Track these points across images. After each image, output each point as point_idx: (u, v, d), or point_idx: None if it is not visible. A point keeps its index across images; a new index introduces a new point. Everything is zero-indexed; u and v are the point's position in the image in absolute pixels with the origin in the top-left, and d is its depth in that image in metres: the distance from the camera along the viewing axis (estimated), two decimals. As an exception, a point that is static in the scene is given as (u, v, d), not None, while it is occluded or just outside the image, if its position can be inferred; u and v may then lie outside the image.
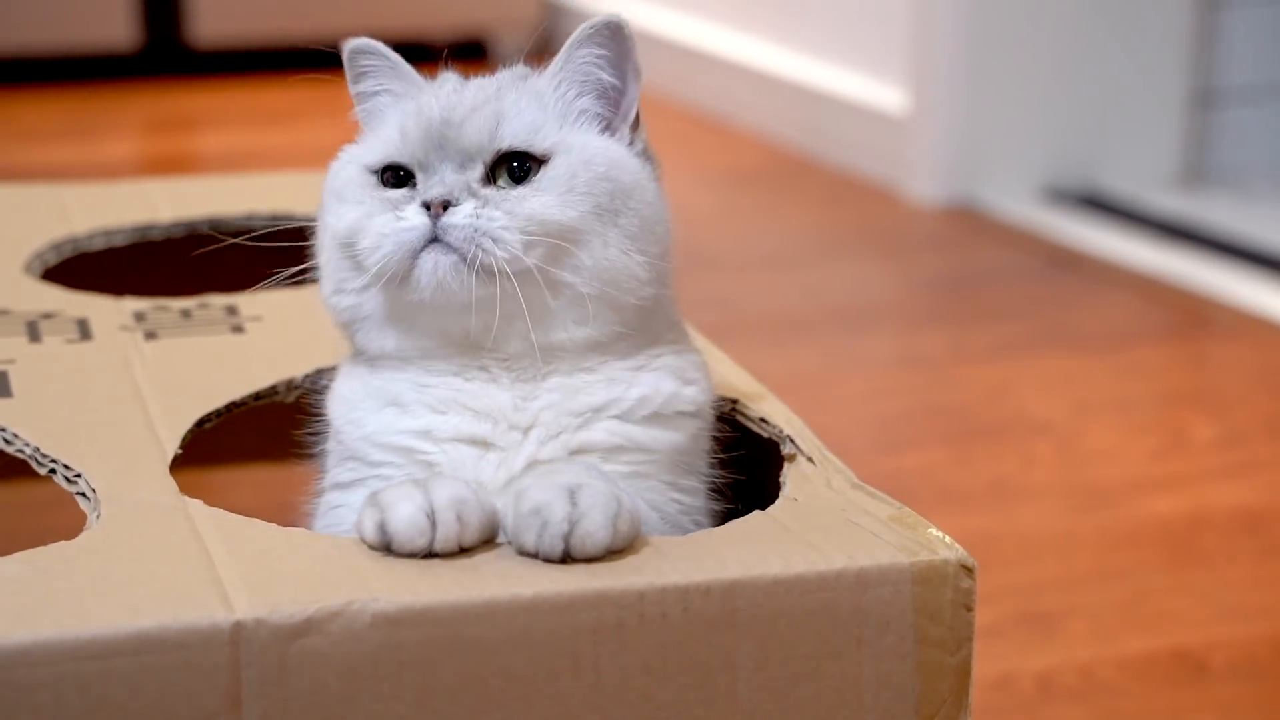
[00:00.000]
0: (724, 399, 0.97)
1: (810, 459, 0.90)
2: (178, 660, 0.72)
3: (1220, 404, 2.13)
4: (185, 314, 1.08)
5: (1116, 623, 1.58)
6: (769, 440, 0.94)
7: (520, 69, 0.90)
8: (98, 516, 0.81)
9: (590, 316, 0.85)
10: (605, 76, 0.88)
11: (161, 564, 0.76)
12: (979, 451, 1.95)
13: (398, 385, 0.87)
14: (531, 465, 0.85)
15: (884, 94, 3.04)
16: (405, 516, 0.77)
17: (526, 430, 0.86)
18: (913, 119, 2.95)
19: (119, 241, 1.27)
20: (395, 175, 0.87)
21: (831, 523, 0.83)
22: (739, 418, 0.96)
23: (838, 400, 2.11)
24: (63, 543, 0.78)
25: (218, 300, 1.11)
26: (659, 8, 3.73)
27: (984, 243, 2.74)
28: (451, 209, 0.83)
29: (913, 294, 2.57)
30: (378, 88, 0.90)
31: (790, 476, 0.89)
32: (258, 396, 0.98)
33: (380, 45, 0.91)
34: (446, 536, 0.78)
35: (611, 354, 0.87)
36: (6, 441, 0.89)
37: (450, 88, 0.88)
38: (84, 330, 1.05)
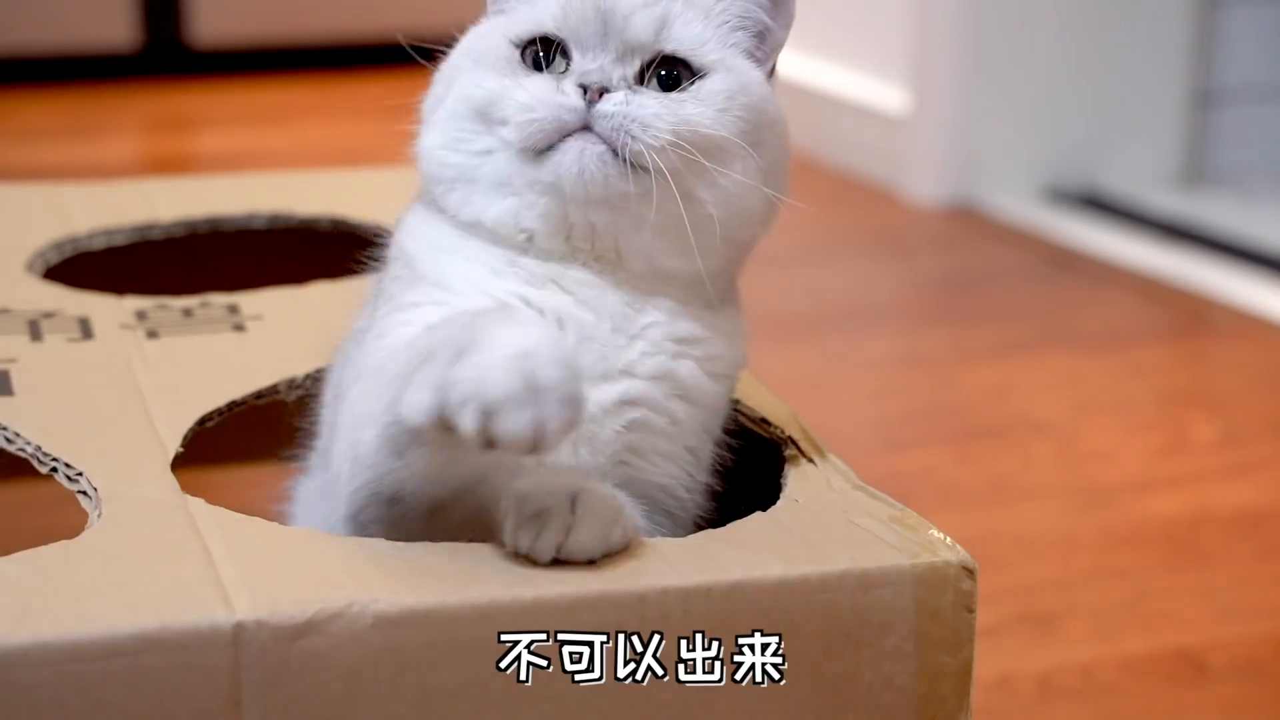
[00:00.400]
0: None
1: (811, 460, 0.90)
2: (178, 661, 0.72)
3: (1220, 404, 2.13)
4: (186, 313, 1.08)
5: (1116, 623, 1.58)
6: (770, 441, 0.93)
7: None
8: (99, 515, 0.81)
9: (709, 245, 0.84)
10: (763, 16, 0.89)
11: (162, 564, 0.76)
12: (979, 451, 1.95)
13: (489, 255, 0.85)
14: (626, 373, 0.84)
15: (884, 94, 3.04)
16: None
17: (632, 338, 0.84)
18: (913, 119, 2.95)
19: (119, 241, 1.27)
20: (539, 56, 0.85)
21: (833, 524, 0.83)
22: (740, 418, 0.96)
23: (838, 400, 2.11)
24: (64, 542, 0.77)
25: (219, 299, 1.11)
26: (659, 7, 3.73)
27: (984, 243, 2.74)
28: (607, 96, 0.82)
29: (913, 294, 2.57)
30: None
31: (791, 477, 0.89)
32: (259, 395, 0.98)
33: None
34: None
35: (699, 302, 0.87)
36: (8, 440, 0.89)
37: None
38: (85, 329, 1.05)
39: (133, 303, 1.10)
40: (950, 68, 2.89)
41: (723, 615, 0.77)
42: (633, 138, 0.81)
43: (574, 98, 0.82)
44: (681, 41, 0.85)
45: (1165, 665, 1.51)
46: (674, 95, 0.83)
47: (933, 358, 2.28)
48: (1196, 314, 2.44)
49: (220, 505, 0.82)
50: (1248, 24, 2.99)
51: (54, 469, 0.86)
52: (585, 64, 0.83)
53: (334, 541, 0.80)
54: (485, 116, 0.84)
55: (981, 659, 1.46)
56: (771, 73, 0.90)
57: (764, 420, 0.95)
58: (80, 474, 0.85)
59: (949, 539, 0.81)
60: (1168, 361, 2.32)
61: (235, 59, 3.71)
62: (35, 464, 0.87)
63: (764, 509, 0.85)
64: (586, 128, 0.81)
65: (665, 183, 0.82)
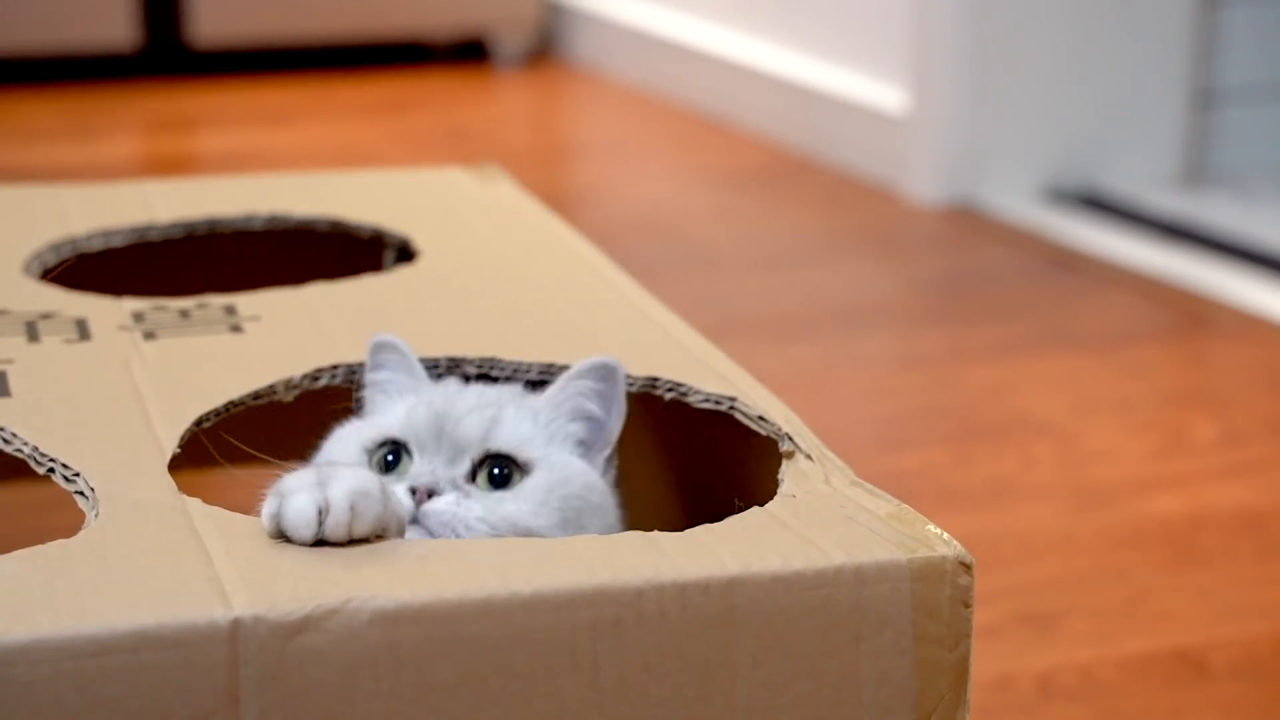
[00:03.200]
0: (723, 396, 0.97)
1: (809, 456, 0.90)
2: (176, 658, 0.72)
3: (1220, 404, 2.13)
4: (184, 314, 1.08)
5: (1116, 623, 1.58)
6: (767, 438, 0.94)
7: (518, 388, 0.99)
8: (96, 514, 0.81)
9: None
10: (594, 409, 0.96)
11: (160, 562, 0.76)
12: (979, 451, 1.95)
13: None
14: None
15: (884, 94, 3.04)
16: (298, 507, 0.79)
17: None
18: (913, 119, 2.95)
19: (117, 242, 1.27)
20: (385, 459, 0.93)
21: (830, 519, 0.83)
22: (737, 415, 0.96)
23: (838, 400, 2.11)
24: (61, 540, 0.78)
25: (216, 300, 1.11)
26: (659, 8, 3.73)
27: (984, 243, 2.74)
28: (436, 497, 0.89)
29: (913, 294, 2.58)
30: (389, 379, 0.98)
31: (788, 473, 0.89)
32: (256, 396, 0.98)
33: (401, 343, 0.99)
34: (337, 524, 0.79)
35: None
36: (5, 441, 0.89)
37: (454, 389, 0.97)
38: (83, 330, 1.05)
39: (130, 304, 1.10)
40: (950, 68, 2.89)
41: (720, 610, 0.77)
42: (456, 535, 0.87)
43: (404, 499, 0.88)
44: (508, 441, 0.93)
45: (1165, 665, 1.51)
46: (497, 494, 0.91)
47: (932, 357, 2.28)
48: (1196, 314, 2.44)
49: (217, 506, 0.82)
50: (1248, 24, 3.00)
51: (51, 469, 0.86)
52: (420, 466, 0.92)
53: (331, 539, 0.80)
54: None
55: (981, 659, 1.47)
56: (612, 457, 0.97)
57: (761, 417, 0.95)
58: (77, 474, 0.85)
59: (945, 534, 0.81)
60: (1168, 361, 2.32)
61: (235, 59, 3.71)
62: (32, 464, 0.87)
63: (761, 504, 0.85)
64: (415, 521, 0.88)
65: None
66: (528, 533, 0.89)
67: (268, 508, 0.80)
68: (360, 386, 1.00)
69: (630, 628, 0.76)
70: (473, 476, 0.92)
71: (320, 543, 0.79)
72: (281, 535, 0.79)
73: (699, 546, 0.80)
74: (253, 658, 0.72)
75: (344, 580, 0.75)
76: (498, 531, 0.88)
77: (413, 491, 0.89)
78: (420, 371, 0.99)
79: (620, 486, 0.98)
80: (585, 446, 0.96)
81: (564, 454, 0.95)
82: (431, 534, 0.87)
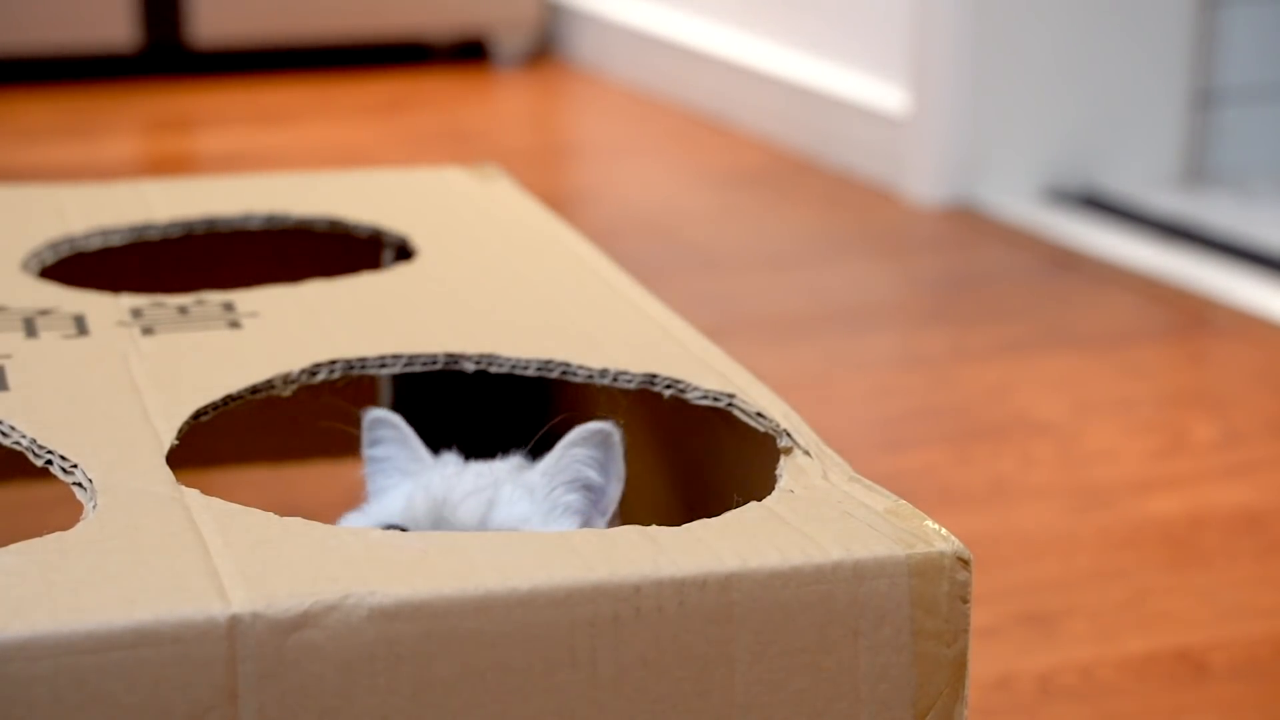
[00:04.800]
0: (721, 393, 0.97)
1: (807, 452, 0.90)
2: (174, 654, 0.71)
3: (1220, 404, 2.13)
4: (182, 310, 1.08)
5: (1116, 623, 1.58)
6: (765, 434, 0.94)
7: (518, 460, 1.00)
8: (94, 506, 0.81)
9: None
10: (592, 475, 0.97)
11: (158, 556, 0.76)
12: (979, 451, 1.95)
13: None
14: None
15: (884, 94, 3.04)
16: None
17: None
18: (913, 119, 2.95)
19: (116, 241, 1.27)
20: None
21: (828, 515, 0.83)
22: (735, 412, 0.96)
23: (838, 400, 2.11)
24: (59, 534, 0.77)
25: (214, 297, 1.11)
26: (659, 8, 3.73)
27: (984, 243, 2.74)
28: None
29: (913, 294, 2.58)
30: (387, 456, 1.00)
31: (787, 469, 0.89)
32: (254, 390, 0.98)
33: (396, 418, 1.00)
34: None
35: None
36: (3, 434, 0.89)
37: (452, 470, 0.98)
38: (81, 326, 1.05)
39: (128, 300, 1.10)
40: (950, 68, 2.89)
41: (718, 606, 0.77)
42: None
43: None
44: (505, 523, 0.94)
45: (1165, 665, 1.51)
46: None
47: (932, 357, 2.28)
48: (1196, 314, 2.45)
49: (215, 498, 0.82)
50: (1248, 24, 3.00)
51: (49, 461, 0.86)
52: None
53: (330, 533, 0.80)
54: None
55: (981, 659, 1.47)
56: (611, 521, 0.98)
57: (759, 414, 0.95)
58: (75, 466, 0.85)
59: (944, 530, 0.81)
60: (1168, 361, 2.32)
61: (235, 59, 3.71)
62: (30, 456, 0.87)
63: (759, 500, 0.85)
64: None
65: None
66: None
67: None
68: (358, 378, 1.01)
69: (628, 623, 0.76)
70: None
71: None
72: None
73: (697, 542, 0.80)
74: (251, 653, 0.72)
75: (342, 576, 0.75)
76: None
77: None
78: (417, 444, 1.00)
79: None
80: (584, 516, 0.97)
81: (563, 526, 0.95)
82: None
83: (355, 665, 0.73)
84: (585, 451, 0.97)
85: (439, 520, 0.94)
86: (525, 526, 0.94)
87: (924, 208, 2.90)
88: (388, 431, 1.00)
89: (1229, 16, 2.99)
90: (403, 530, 0.93)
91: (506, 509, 0.94)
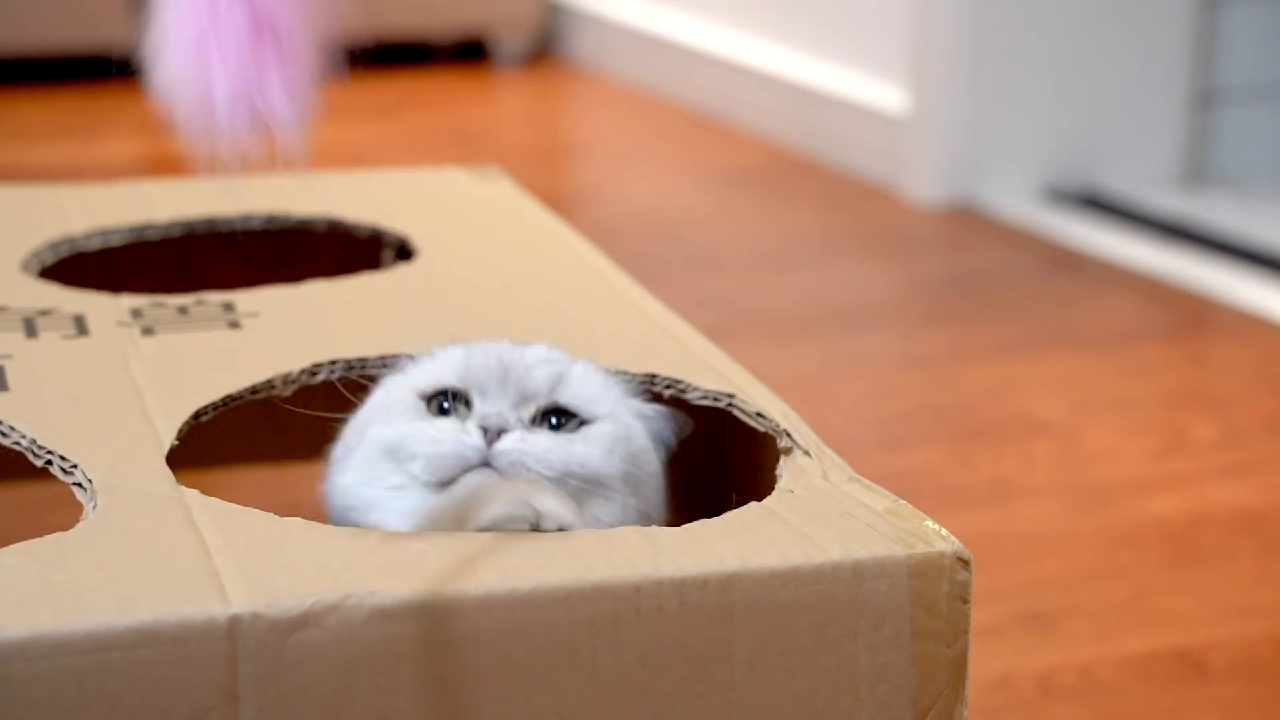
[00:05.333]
0: (721, 393, 0.97)
1: (807, 452, 0.90)
2: (174, 654, 0.71)
3: (1220, 404, 2.13)
4: (182, 310, 1.08)
5: (1116, 623, 1.58)
6: (765, 434, 0.94)
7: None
8: (94, 506, 0.81)
9: None
10: (666, 431, 0.96)
11: (158, 556, 0.76)
12: (979, 451, 1.95)
13: None
14: None
15: (884, 94, 3.04)
16: None
17: None
18: (913, 119, 2.95)
19: (116, 241, 1.27)
20: (443, 406, 0.92)
21: (828, 515, 0.83)
22: (735, 412, 0.96)
23: (838, 400, 2.11)
24: (59, 534, 0.77)
25: (214, 297, 1.11)
26: (659, 8, 3.73)
27: (984, 243, 2.74)
28: (505, 435, 0.89)
29: (913, 294, 2.57)
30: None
31: (787, 469, 0.89)
32: (254, 390, 0.98)
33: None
34: None
35: None
36: (3, 434, 0.89)
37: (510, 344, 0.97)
38: (81, 326, 1.05)
39: (128, 301, 1.10)
40: (950, 68, 2.89)
41: (718, 606, 0.77)
42: (527, 469, 0.88)
43: (475, 437, 0.89)
44: (577, 396, 0.93)
45: (1165, 665, 1.51)
46: (564, 435, 0.91)
47: (932, 357, 2.28)
48: (1197, 314, 2.44)
49: (215, 498, 0.82)
50: (1248, 24, 3.00)
51: (49, 461, 0.86)
52: (485, 408, 0.91)
53: (330, 533, 0.80)
54: (396, 455, 0.90)
55: (981, 659, 1.47)
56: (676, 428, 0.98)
57: (759, 413, 0.95)
58: (75, 466, 0.85)
59: (944, 530, 0.81)
60: (1168, 361, 2.32)
61: (235, 60, 3.70)
62: (30, 456, 0.87)
63: (759, 500, 0.85)
64: (486, 463, 0.88)
65: None
66: (594, 477, 0.89)
67: (469, 512, 0.81)
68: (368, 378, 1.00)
69: (628, 623, 0.76)
70: (534, 422, 0.91)
71: None
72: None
73: (697, 542, 0.80)
74: (251, 654, 0.72)
75: (343, 576, 0.75)
76: (565, 468, 0.88)
77: (484, 431, 0.88)
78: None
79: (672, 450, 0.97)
80: (650, 427, 0.95)
81: (631, 415, 0.94)
82: (501, 473, 0.87)
83: (355, 665, 0.73)
84: (666, 424, 0.96)
85: (505, 380, 0.91)
86: (593, 405, 0.92)
87: (924, 207, 2.90)
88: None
89: (1229, 16, 2.99)
90: (459, 393, 0.91)
91: (578, 384, 0.93)
